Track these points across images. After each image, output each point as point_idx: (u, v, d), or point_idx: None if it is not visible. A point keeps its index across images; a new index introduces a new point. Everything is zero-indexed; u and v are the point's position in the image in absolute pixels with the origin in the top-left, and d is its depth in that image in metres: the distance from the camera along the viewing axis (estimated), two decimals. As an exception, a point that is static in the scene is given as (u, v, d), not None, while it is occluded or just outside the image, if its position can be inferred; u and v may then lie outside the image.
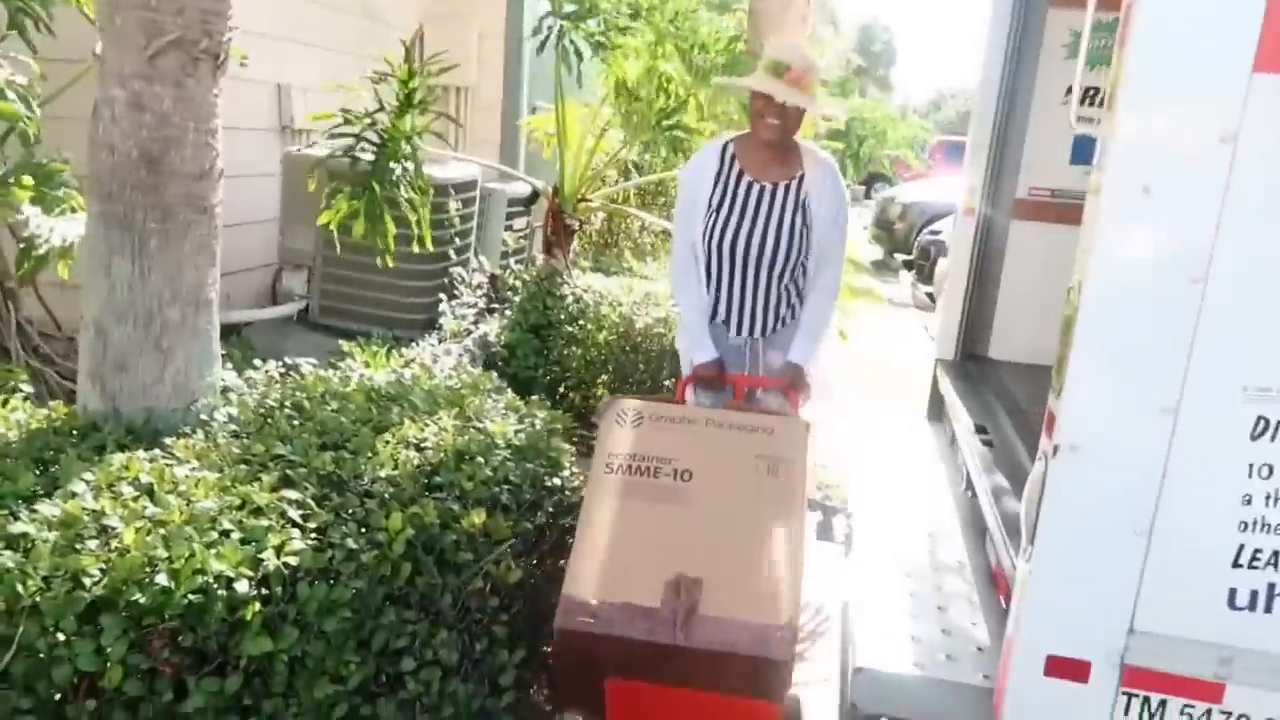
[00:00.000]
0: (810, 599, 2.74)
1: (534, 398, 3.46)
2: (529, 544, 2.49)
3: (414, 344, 4.16)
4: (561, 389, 4.56)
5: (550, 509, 2.58)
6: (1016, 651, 1.98)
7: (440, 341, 4.38)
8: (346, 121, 3.73)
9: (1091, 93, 3.93)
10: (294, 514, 2.08)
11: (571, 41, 4.08)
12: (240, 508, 2.08)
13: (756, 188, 2.86)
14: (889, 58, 49.78)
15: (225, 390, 3.03)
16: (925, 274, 10.90)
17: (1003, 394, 3.58)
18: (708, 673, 2.18)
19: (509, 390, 3.50)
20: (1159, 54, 1.75)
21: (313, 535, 2.06)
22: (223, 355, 3.85)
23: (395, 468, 2.39)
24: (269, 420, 2.67)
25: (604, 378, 4.51)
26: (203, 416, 2.60)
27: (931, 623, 2.44)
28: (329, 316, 4.65)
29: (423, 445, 2.58)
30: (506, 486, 2.47)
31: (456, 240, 4.73)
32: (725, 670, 2.17)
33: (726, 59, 4.50)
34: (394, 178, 3.85)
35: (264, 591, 1.91)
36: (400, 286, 4.53)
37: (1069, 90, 3.94)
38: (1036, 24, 3.88)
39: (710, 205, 2.87)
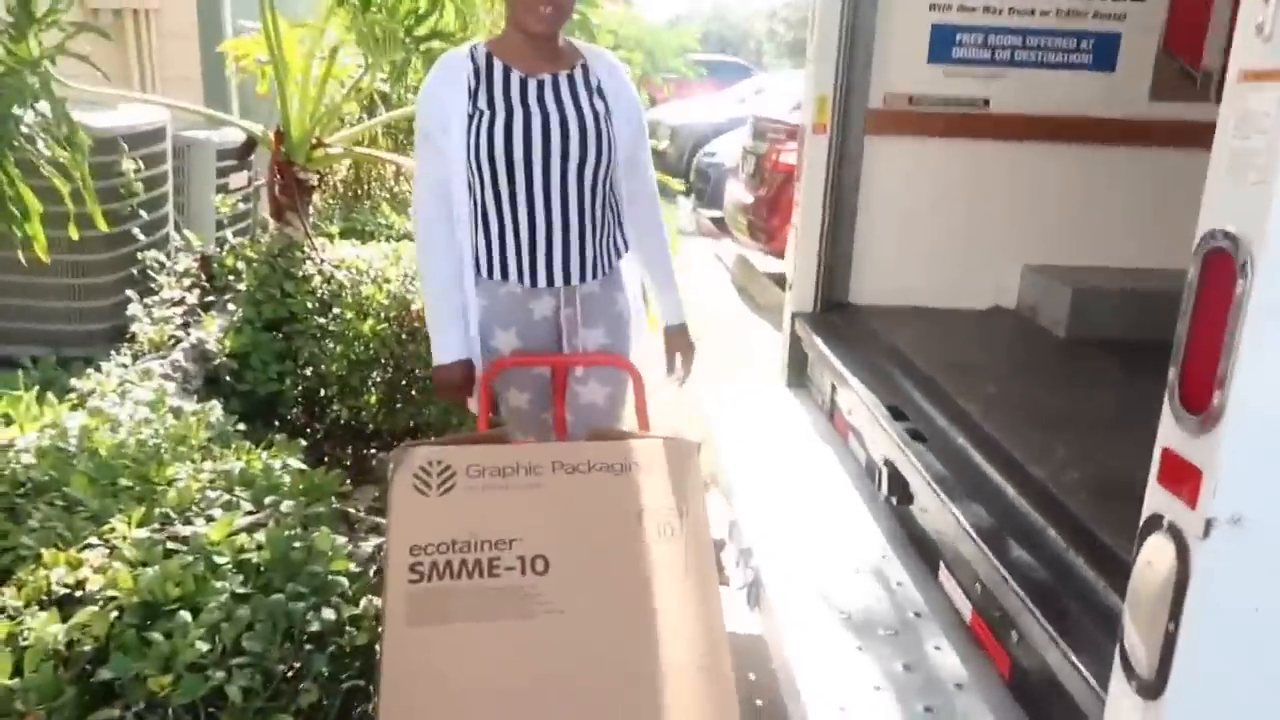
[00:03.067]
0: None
1: (283, 440, 2.37)
2: (292, 742, 1.47)
3: (92, 368, 2.90)
4: (319, 402, 3.44)
5: (325, 668, 1.55)
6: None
7: (135, 359, 3.13)
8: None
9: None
10: None
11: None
12: None
13: (533, 82, 2.06)
14: (622, -25, 49.19)
15: None
16: (706, 199, 10.36)
17: (894, 356, 2.86)
18: None
19: (235, 430, 2.39)
20: None
21: None
22: None
23: (14, 674, 1.29)
24: None
25: (376, 378, 3.43)
26: None
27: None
28: (-43, 338, 3.24)
29: (77, 595, 1.48)
30: (242, 660, 1.42)
31: (142, 213, 3.43)
32: None
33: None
34: (24, 129, 2.58)
35: None
36: (65, 287, 3.20)
37: (921, -29, 3.23)
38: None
39: (472, 114, 2.03)
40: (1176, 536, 1.14)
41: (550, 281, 2.15)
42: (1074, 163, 3.38)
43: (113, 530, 1.66)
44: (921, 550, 2.25)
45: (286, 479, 2.01)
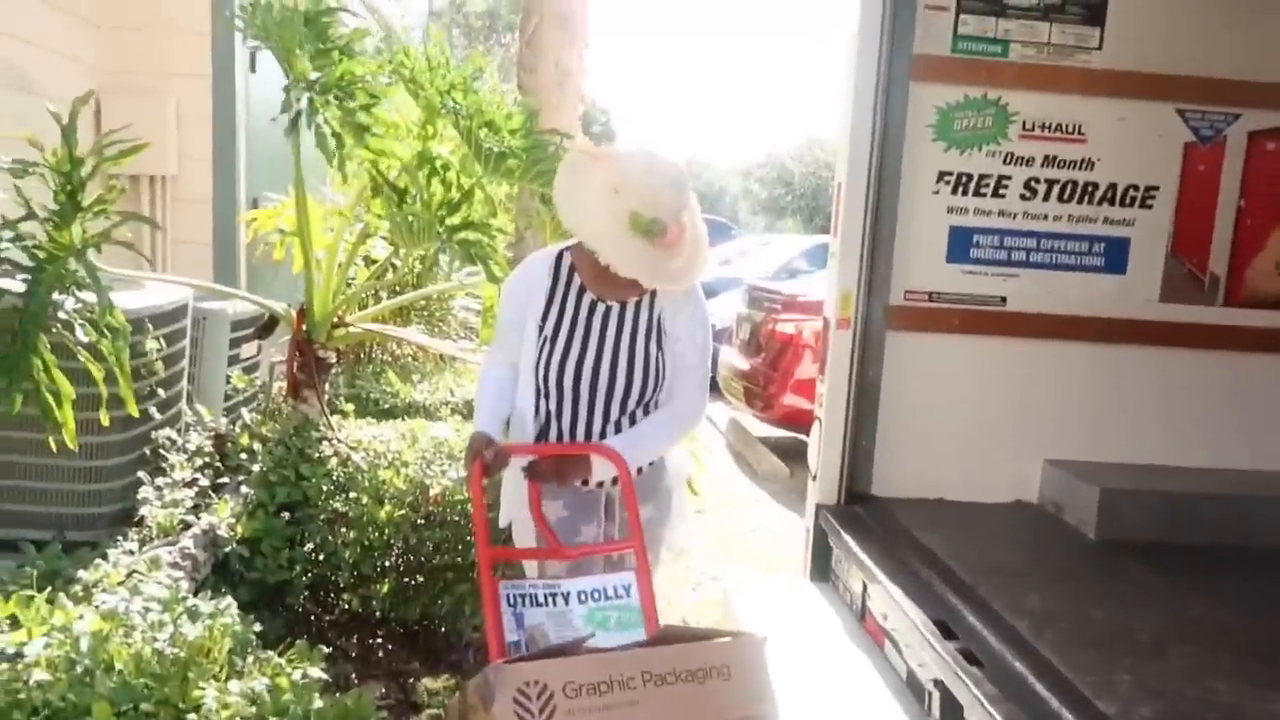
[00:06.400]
0: None
1: (303, 645, 2.26)
2: None
3: (99, 556, 2.78)
4: (329, 589, 3.31)
5: None
6: None
7: (143, 545, 3.01)
8: (-31, 238, 2.41)
9: (963, 179, 3.39)
10: None
11: (325, 121, 2.96)
12: None
13: (601, 308, 2.25)
14: (608, 138, 51.32)
15: None
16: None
17: (928, 558, 2.81)
18: None
19: (253, 635, 2.28)
20: None
21: None
22: None
23: None
24: None
25: (388, 563, 3.32)
26: None
27: None
28: (-43, 520, 3.11)
29: None
30: None
31: (160, 391, 3.39)
32: None
33: (524, 143, 3.54)
34: (63, 315, 2.57)
35: None
36: (77, 469, 3.11)
37: (940, 176, 3.37)
38: (899, 102, 3.27)
39: (543, 329, 2.25)
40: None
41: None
42: (1088, 360, 3.45)
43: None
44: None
45: (318, 702, 1.90)
